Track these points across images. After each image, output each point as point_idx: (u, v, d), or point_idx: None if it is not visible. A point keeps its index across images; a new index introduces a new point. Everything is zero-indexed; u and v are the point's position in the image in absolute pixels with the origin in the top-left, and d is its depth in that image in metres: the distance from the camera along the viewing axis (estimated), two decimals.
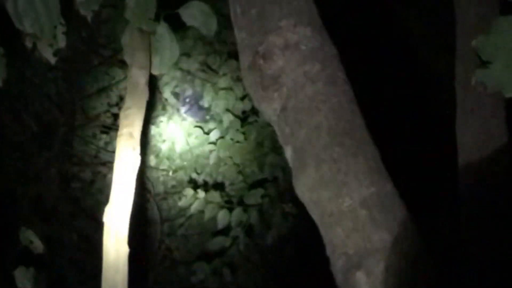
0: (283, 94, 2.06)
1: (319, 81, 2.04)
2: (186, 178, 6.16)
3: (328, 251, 1.96)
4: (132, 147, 3.66)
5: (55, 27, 3.43)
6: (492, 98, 3.04)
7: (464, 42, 3.23)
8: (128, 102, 3.85)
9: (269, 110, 2.13)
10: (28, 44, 3.53)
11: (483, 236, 3.03)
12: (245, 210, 5.68)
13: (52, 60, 3.57)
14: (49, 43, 3.52)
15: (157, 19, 3.70)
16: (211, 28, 3.86)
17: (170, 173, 6.31)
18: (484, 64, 2.21)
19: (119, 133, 3.75)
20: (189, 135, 6.22)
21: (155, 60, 3.88)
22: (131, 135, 3.68)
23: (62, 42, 3.53)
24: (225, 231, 5.69)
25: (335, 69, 2.09)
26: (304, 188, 2.01)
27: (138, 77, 3.84)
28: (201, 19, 3.74)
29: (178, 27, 3.98)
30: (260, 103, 2.17)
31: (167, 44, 3.77)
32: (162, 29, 3.75)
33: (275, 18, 2.12)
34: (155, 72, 3.92)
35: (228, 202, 5.79)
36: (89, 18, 3.48)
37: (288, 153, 2.09)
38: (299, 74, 2.05)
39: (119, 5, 5.39)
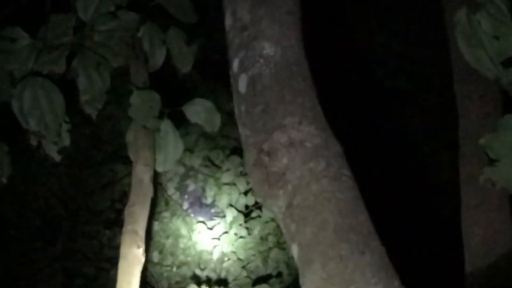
0: (289, 191, 2.06)
1: (324, 178, 2.04)
2: (189, 274, 6.12)
3: None
4: (136, 245, 3.65)
5: (60, 125, 3.45)
6: (497, 194, 3.05)
7: (467, 140, 3.25)
8: (132, 199, 3.85)
9: (275, 207, 2.13)
10: (33, 142, 3.55)
11: None
12: None
13: (57, 158, 3.59)
14: (54, 141, 3.54)
15: (161, 116, 3.72)
16: (214, 124, 3.89)
17: (174, 269, 6.28)
18: (492, 162, 2.22)
19: (123, 230, 3.74)
20: (192, 230, 6.22)
21: (160, 157, 3.89)
22: (135, 232, 3.68)
23: (66, 140, 3.55)
24: None
25: (339, 166, 2.10)
26: (311, 285, 1.98)
27: (143, 174, 3.85)
28: (204, 116, 3.77)
29: (181, 123, 4.01)
30: (266, 200, 2.17)
31: (171, 141, 3.79)
32: (166, 126, 3.77)
33: (279, 115, 2.14)
34: (159, 169, 3.93)
35: None
36: (93, 116, 3.51)
37: (295, 250, 2.07)
38: (304, 171, 2.05)
39: (122, 102, 5.45)
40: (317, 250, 1.97)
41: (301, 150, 2.08)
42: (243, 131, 2.28)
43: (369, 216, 2.06)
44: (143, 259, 3.67)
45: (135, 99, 3.65)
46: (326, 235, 1.97)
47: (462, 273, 3.21)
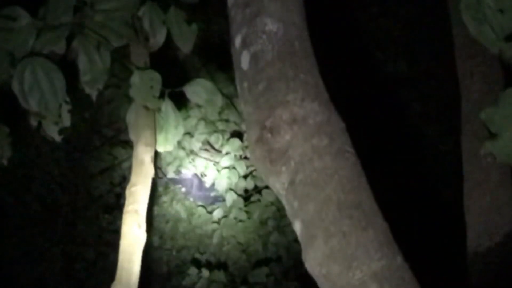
0: (291, 168, 2.06)
1: (327, 155, 2.04)
2: (189, 258, 6.13)
3: None
4: (137, 224, 3.64)
5: (61, 105, 3.44)
6: (499, 170, 3.04)
7: (469, 117, 3.24)
8: (133, 179, 3.84)
9: (277, 184, 2.13)
10: (33, 122, 3.54)
11: None
12: None
13: (58, 138, 3.58)
14: (54, 122, 3.53)
15: (161, 96, 3.72)
16: (216, 104, 3.88)
17: (174, 253, 6.29)
18: (492, 135, 2.21)
19: (124, 210, 3.73)
20: (192, 214, 6.22)
21: (160, 137, 3.89)
22: (136, 212, 3.67)
23: (67, 121, 3.54)
24: None
25: (342, 143, 2.09)
26: (314, 262, 1.98)
27: (144, 154, 3.84)
28: (205, 96, 3.76)
29: (182, 104, 4.00)
30: (268, 177, 2.17)
31: (172, 121, 3.79)
32: (167, 106, 3.77)
33: (282, 92, 2.13)
34: (160, 149, 3.93)
35: (232, 281, 5.75)
36: (93, 97, 3.50)
37: (297, 227, 2.07)
38: (307, 148, 2.05)
39: (121, 86, 5.45)
40: (320, 226, 1.97)
41: (304, 126, 2.08)
42: (246, 108, 2.27)
43: (372, 193, 2.06)
44: (144, 239, 3.66)
45: (136, 79, 3.64)
46: (329, 212, 1.96)
47: (464, 254, 3.21)
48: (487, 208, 3.08)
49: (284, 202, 2.15)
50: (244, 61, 2.28)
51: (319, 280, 2.00)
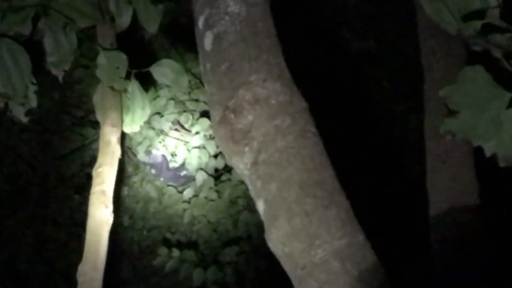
0: (254, 148, 2.07)
1: (289, 135, 2.05)
2: (160, 238, 6.13)
3: None
4: (104, 205, 3.64)
5: (27, 86, 3.43)
6: (461, 147, 3.07)
7: (432, 94, 3.27)
8: (100, 160, 3.84)
9: (240, 164, 2.14)
10: (0, 103, 3.52)
11: (455, 283, 3.03)
12: (220, 268, 5.64)
13: (24, 119, 3.56)
14: (21, 103, 3.52)
15: (128, 77, 3.71)
16: (182, 85, 3.88)
17: (144, 233, 6.28)
18: (452, 113, 2.23)
19: (91, 191, 3.73)
20: (162, 194, 6.21)
21: (127, 118, 3.89)
22: (103, 192, 3.67)
23: (33, 102, 3.53)
24: None
25: (305, 122, 2.11)
26: (277, 241, 2.00)
27: (110, 135, 3.84)
28: (172, 77, 3.75)
29: (151, 84, 3.99)
30: (231, 157, 2.18)
31: (139, 102, 3.79)
32: (133, 87, 3.76)
33: (245, 73, 2.14)
34: (127, 130, 3.92)
35: (203, 260, 5.76)
36: (60, 78, 3.49)
37: (260, 206, 2.09)
38: (270, 128, 2.06)
39: (91, 66, 5.43)
40: (283, 205, 1.99)
41: (266, 107, 2.09)
42: (209, 89, 2.28)
43: (334, 172, 2.08)
44: (111, 219, 3.66)
45: (102, 59, 3.63)
46: (292, 191, 1.98)
47: (427, 231, 3.25)
48: (449, 186, 3.11)
49: (247, 182, 2.16)
50: (207, 42, 2.28)
51: (282, 259, 2.02)
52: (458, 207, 3.02)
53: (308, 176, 2.00)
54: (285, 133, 2.06)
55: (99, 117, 3.94)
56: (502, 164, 2.27)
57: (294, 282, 1.98)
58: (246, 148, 2.09)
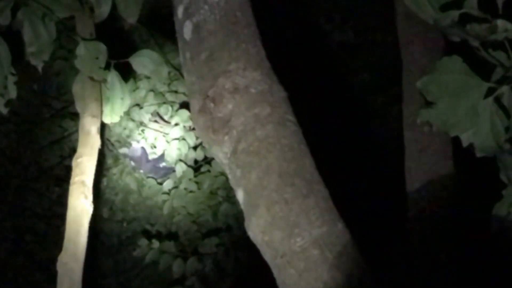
0: (234, 137, 2.08)
1: (269, 124, 2.06)
2: (140, 229, 6.13)
3: None
4: (84, 195, 3.64)
5: (6, 77, 3.41)
6: (440, 139, 3.10)
7: (409, 84, 3.29)
8: (80, 150, 3.84)
9: (220, 153, 2.15)
10: None
11: (432, 267, 3.07)
12: (199, 259, 5.66)
13: (4, 110, 3.54)
14: (0, 94, 3.50)
15: (107, 67, 3.70)
16: (161, 75, 3.87)
17: (124, 224, 6.28)
18: (429, 104, 2.24)
19: (71, 181, 3.73)
20: (142, 186, 6.21)
21: (106, 108, 3.88)
22: (83, 183, 3.67)
23: (13, 93, 3.50)
24: (181, 280, 5.66)
25: (284, 111, 2.11)
26: (256, 229, 2.01)
27: (90, 125, 3.84)
28: (151, 67, 3.74)
29: (130, 76, 3.98)
30: (211, 146, 2.19)
31: (118, 92, 3.78)
32: (113, 77, 3.75)
33: (224, 62, 2.14)
34: (106, 120, 3.92)
35: (183, 251, 5.77)
36: (39, 69, 3.47)
37: (240, 195, 2.09)
38: (249, 117, 2.07)
39: (70, 58, 5.41)
40: (262, 194, 1.99)
41: (246, 96, 2.09)
42: (188, 78, 2.28)
43: (313, 161, 2.08)
44: (91, 210, 3.66)
45: (81, 50, 3.61)
46: (271, 180, 1.99)
47: (405, 221, 3.28)
48: (427, 175, 3.13)
49: (227, 171, 2.17)
50: (186, 31, 2.28)
51: (262, 248, 2.02)
52: (435, 196, 3.05)
53: (288, 165, 2.00)
54: (265, 122, 2.06)
55: (78, 107, 3.94)
56: (478, 154, 2.28)
57: (274, 270, 1.99)
58: (226, 137, 2.09)
